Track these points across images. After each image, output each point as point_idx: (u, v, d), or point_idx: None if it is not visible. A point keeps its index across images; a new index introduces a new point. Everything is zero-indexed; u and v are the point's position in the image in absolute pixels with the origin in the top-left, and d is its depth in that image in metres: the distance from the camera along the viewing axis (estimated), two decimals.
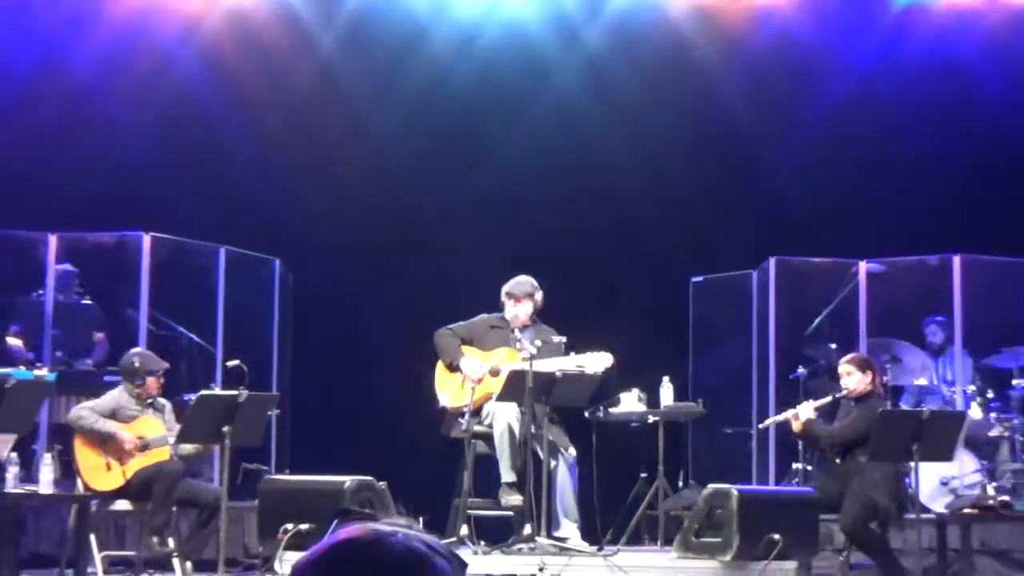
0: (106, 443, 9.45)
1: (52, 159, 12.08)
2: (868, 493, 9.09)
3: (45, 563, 10.02)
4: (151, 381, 9.70)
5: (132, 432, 9.51)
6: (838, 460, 9.44)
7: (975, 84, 12.80)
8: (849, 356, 9.81)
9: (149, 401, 9.69)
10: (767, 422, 10.37)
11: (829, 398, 9.59)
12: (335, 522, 1.86)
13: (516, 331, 9.44)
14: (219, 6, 12.52)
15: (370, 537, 1.80)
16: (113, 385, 10.09)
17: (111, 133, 12.35)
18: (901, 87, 12.77)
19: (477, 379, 9.28)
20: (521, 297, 9.54)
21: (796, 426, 9.54)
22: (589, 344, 9.36)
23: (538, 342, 9.28)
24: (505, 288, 9.63)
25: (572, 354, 9.33)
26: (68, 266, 11.30)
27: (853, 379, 9.46)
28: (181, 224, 11.52)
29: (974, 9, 12.75)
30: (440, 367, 9.55)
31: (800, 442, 10.49)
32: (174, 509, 9.39)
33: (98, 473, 9.46)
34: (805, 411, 9.45)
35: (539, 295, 9.56)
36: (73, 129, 12.20)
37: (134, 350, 10.12)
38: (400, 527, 1.83)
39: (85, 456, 9.49)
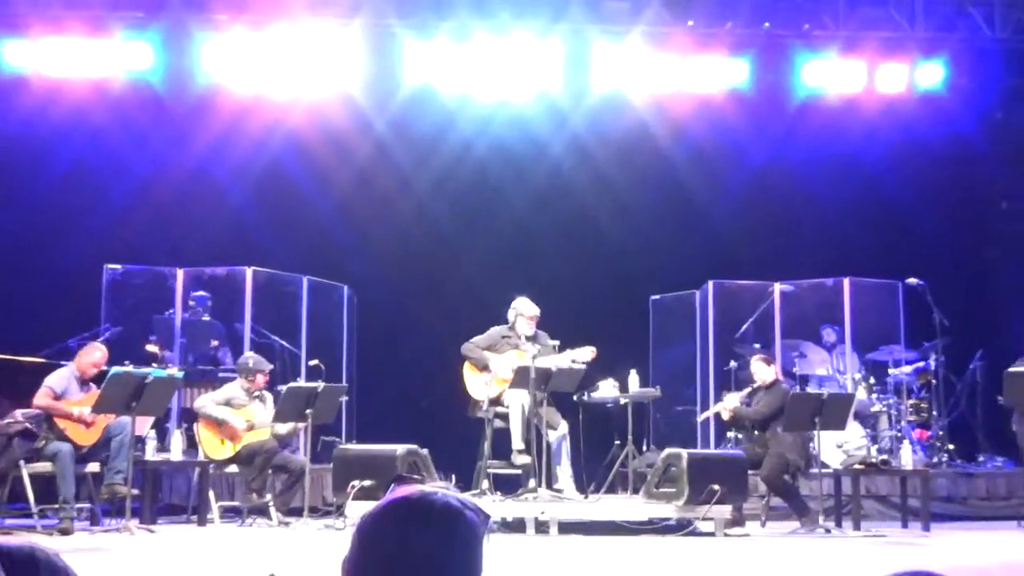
0: (221, 426, 9.47)
1: (179, 213, 12.07)
2: (783, 453, 9.14)
3: (176, 511, 10.02)
4: (260, 377, 9.72)
5: (241, 416, 9.54)
6: (756, 432, 9.51)
7: (859, 152, 12.74)
8: (757, 357, 9.90)
9: (256, 394, 9.70)
10: (703, 416, 10.47)
11: (748, 389, 9.66)
12: (392, 484, 1.85)
13: (525, 338, 9.57)
14: (301, 100, 12.47)
15: (418, 495, 1.78)
16: (226, 380, 10.13)
17: (223, 194, 12.30)
18: (804, 156, 12.63)
19: (504, 377, 9.38)
20: (532, 316, 9.69)
21: (726, 415, 9.65)
22: (577, 343, 9.41)
23: (536, 347, 9.38)
24: (518, 309, 9.71)
25: (566, 350, 9.40)
26: (204, 293, 11.33)
27: (763, 372, 9.57)
28: (275, 260, 11.51)
29: (857, 98, 12.72)
30: (467, 370, 9.60)
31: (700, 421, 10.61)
32: (270, 472, 9.41)
33: (214, 447, 9.49)
34: (731, 401, 9.58)
35: (538, 312, 9.72)
36: (195, 192, 12.17)
37: (248, 353, 10.14)
38: (440, 488, 1.83)
39: (205, 434, 9.50)
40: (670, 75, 12.45)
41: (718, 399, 11.24)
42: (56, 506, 8.37)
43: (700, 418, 10.77)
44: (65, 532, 8.14)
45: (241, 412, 9.56)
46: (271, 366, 9.98)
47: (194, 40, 12.12)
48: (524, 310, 9.70)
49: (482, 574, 1.78)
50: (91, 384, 8.90)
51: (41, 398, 8.61)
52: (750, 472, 9.18)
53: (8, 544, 1.58)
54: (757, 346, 11.73)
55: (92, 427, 8.69)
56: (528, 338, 9.61)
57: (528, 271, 11.83)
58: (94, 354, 8.99)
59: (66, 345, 10.39)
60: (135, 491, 8.75)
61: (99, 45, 11.95)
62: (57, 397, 8.67)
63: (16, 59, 11.95)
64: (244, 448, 9.40)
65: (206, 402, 9.53)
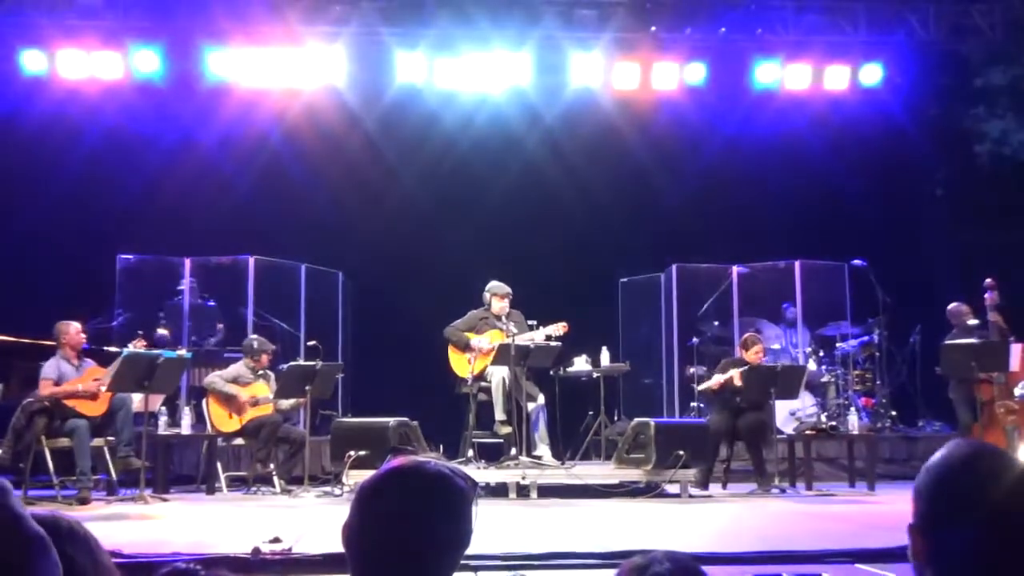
0: (229, 401, 9.46)
1: (188, 207, 11.96)
2: (765, 420, 9.21)
3: (186, 481, 9.98)
4: (263, 357, 9.72)
5: (247, 393, 9.52)
6: (744, 405, 9.44)
7: (805, 144, 12.72)
8: (758, 337, 9.82)
9: (260, 372, 9.70)
10: (703, 386, 9.85)
11: (746, 368, 9.49)
12: (389, 455, 1.87)
13: (503, 318, 9.56)
14: (298, 99, 12.43)
15: (412, 464, 1.80)
16: (231, 360, 10.10)
17: (227, 187, 12.19)
18: (756, 146, 12.62)
19: (485, 352, 9.37)
20: (504, 295, 9.65)
21: (715, 386, 9.46)
22: (551, 322, 9.37)
23: (512, 326, 9.38)
24: (492, 290, 9.72)
25: (540, 327, 9.39)
26: (192, 279, 11.28)
27: (762, 354, 9.58)
28: (275, 249, 11.44)
29: (804, 94, 12.73)
30: (451, 352, 9.60)
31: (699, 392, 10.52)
32: (273, 444, 9.40)
33: (222, 420, 9.48)
34: (737, 378, 9.46)
35: (509, 291, 9.72)
36: (201, 186, 12.05)
37: (253, 335, 10.12)
38: (432, 458, 1.84)
39: (214, 408, 9.50)
40: (635, 75, 12.48)
41: (682, 372, 11.32)
42: (74, 478, 8.33)
43: (701, 387, 10.16)
44: (83, 502, 8.10)
45: (247, 389, 9.54)
46: (274, 347, 9.97)
47: (198, 48, 12.05)
48: (496, 290, 9.72)
49: (472, 534, 1.80)
50: (86, 360, 8.81)
51: (44, 390, 8.50)
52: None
53: (34, 512, 1.56)
54: (716, 323, 11.77)
55: (100, 399, 8.62)
56: (504, 317, 9.58)
57: (506, 256, 11.79)
58: (70, 329, 8.76)
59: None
60: (147, 463, 8.71)
61: (111, 56, 11.93)
62: (56, 383, 8.57)
63: (35, 65, 11.93)
64: (250, 422, 9.40)
65: (215, 379, 9.53)
